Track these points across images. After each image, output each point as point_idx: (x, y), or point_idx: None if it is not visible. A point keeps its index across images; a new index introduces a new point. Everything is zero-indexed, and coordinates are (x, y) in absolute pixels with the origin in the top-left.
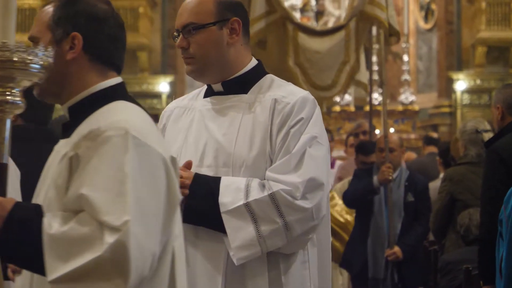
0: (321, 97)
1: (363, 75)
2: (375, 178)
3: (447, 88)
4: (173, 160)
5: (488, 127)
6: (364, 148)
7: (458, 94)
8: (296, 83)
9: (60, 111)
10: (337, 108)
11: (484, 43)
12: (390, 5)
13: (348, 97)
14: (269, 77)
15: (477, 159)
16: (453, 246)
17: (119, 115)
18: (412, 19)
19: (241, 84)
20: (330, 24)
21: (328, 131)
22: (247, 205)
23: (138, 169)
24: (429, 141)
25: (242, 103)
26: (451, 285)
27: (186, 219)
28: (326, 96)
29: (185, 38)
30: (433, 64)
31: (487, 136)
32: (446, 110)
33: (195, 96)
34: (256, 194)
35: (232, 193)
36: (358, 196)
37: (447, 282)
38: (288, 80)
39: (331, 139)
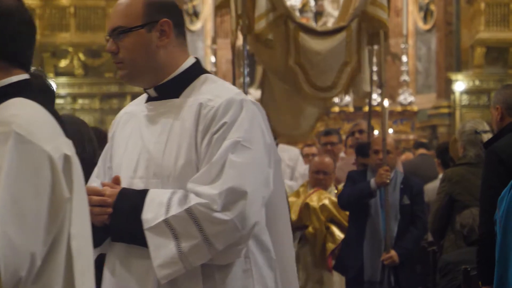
0: (321, 98)
1: (367, 84)
2: (373, 181)
3: (446, 89)
4: (67, 158)
5: (487, 127)
6: (364, 149)
7: (457, 94)
8: (296, 82)
9: (62, 110)
10: (336, 109)
11: (483, 44)
12: None
13: (347, 98)
14: (203, 77)
15: (476, 160)
16: (452, 247)
17: (10, 111)
18: (411, 20)
19: (173, 88)
20: (329, 24)
21: (337, 132)
22: (166, 221)
23: (16, 166)
24: (418, 145)
25: (173, 108)
26: (450, 285)
27: (114, 238)
28: (326, 97)
29: (115, 42)
30: (432, 65)
31: (486, 136)
32: (445, 110)
33: (141, 101)
34: (175, 209)
35: (155, 208)
36: (355, 198)
37: (446, 282)
38: (289, 80)
39: (340, 141)
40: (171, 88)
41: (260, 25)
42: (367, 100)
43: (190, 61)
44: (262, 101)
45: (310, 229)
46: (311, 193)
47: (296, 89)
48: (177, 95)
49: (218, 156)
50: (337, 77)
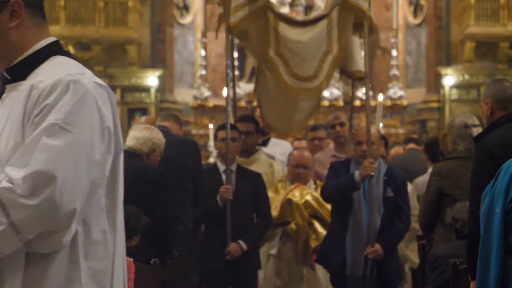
0: (303, 88)
1: (360, 64)
2: (357, 173)
3: (435, 83)
4: None
5: (476, 122)
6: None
7: (447, 89)
8: (277, 73)
9: None
10: (325, 103)
11: (473, 38)
12: None
13: (336, 92)
14: (53, 58)
15: (466, 154)
16: (441, 241)
17: None
18: (401, 14)
19: (22, 70)
20: None
21: (325, 127)
22: None
23: None
24: (408, 140)
25: (18, 91)
26: (440, 279)
27: None
28: (309, 88)
29: None
30: (422, 59)
31: (476, 131)
32: (435, 105)
33: None
34: None
35: None
36: (339, 191)
37: (436, 276)
38: (269, 71)
39: (327, 136)
40: (20, 70)
41: (236, 17)
42: (350, 94)
43: (44, 42)
44: (256, 92)
45: (293, 225)
46: (292, 189)
47: (277, 81)
48: (24, 77)
49: (32, 139)
50: (318, 66)
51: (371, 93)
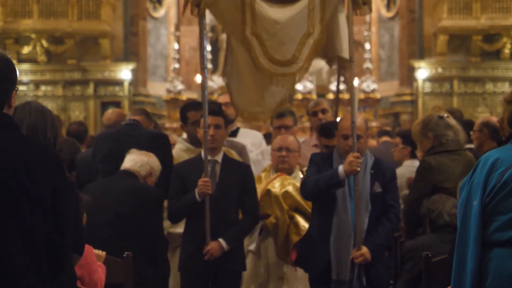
0: (280, 73)
1: (345, 51)
2: (341, 168)
3: (408, 77)
4: None
5: (445, 113)
6: (327, 129)
7: (420, 82)
8: (252, 55)
9: (25, 97)
10: (299, 96)
11: (446, 31)
12: None
13: (310, 85)
14: None
15: (454, 146)
16: None
17: None
18: (374, 7)
19: None
20: None
21: (292, 114)
22: None
23: None
24: (382, 133)
25: None
26: (412, 271)
27: None
28: (286, 73)
29: None
30: (395, 53)
31: (449, 120)
32: (408, 98)
33: None
34: None
35: None
36: (321, 188)
37: (409, 268)
38: (244, 52)
39: (295, 123)
40: None
41: None
42: (334, 83)
43: None
44: (225, 72)
45: (272, 219)
46: (273, 179)
47: (253, 64)
48: None
49: None
50: (297, 50)
51: (342, 85)
